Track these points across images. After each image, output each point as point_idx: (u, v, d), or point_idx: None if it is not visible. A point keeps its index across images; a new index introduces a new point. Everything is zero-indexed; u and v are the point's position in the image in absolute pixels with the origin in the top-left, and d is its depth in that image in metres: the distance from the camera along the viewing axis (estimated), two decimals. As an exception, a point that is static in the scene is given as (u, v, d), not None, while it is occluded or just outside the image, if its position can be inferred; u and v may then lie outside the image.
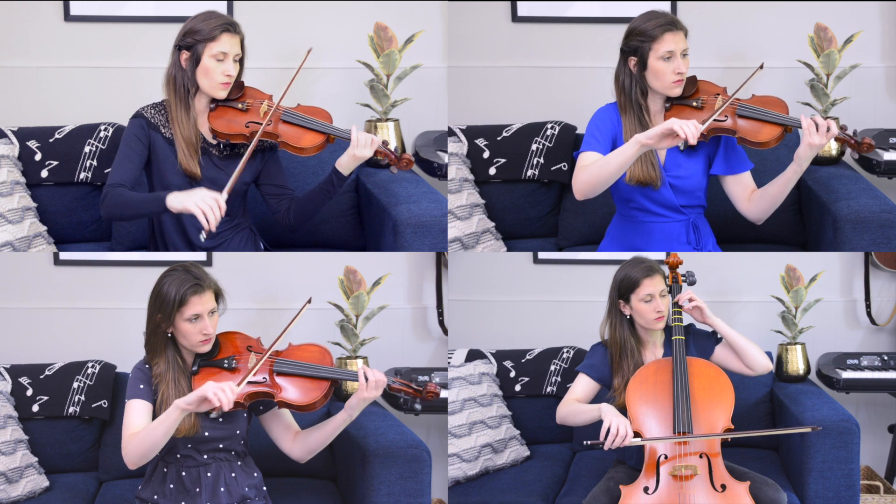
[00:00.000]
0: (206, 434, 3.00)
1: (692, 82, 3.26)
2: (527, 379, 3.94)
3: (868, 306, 4.13)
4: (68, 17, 3.86)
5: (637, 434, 3.03)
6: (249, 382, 2.93)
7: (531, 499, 3.49)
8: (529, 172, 3.84)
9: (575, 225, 3.86)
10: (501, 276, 4.19)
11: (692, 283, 3.34)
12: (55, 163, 3.62)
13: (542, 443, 3.94)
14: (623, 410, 3.10)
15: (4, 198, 3.51)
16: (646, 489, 3.02)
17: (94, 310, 3.92)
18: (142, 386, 2.96)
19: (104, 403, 3.62)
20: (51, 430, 3.62)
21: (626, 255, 3.31)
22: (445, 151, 3.81)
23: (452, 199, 3.71)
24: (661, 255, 3.37)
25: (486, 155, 3.85)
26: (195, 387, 2.92)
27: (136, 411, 2.94)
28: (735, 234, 3.69)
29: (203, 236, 3.08)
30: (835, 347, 4.10)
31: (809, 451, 3.40)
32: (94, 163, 3.64)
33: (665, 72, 3.19)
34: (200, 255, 3.75)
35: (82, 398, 3.61)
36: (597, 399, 3.27)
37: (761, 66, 3.27)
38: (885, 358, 3.91)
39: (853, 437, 3.40)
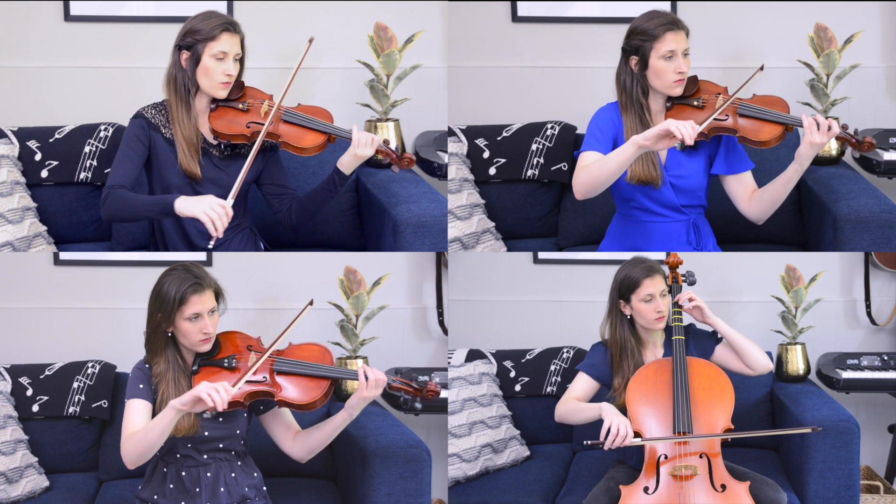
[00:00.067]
0: (206, 434, 3.00)
1: (693, 82, 3.26)
2: (527, 379, 3.94)
3: (868, 306, 4.13)
4: (68, 17, 3.85)
5: (637, 434, 3.03)
6: (250, 382, 2.94)
7: (531, 499, 3.49)
8: (529, 172, 3.84)
9: (575, 225, 3.86)
10: (501, 276, 4.19)
11: (692, 283, 3.34)
12: (55, 163, 3.62)
13: (542, 443, 3.94)
14: (623, 410, 3.10)
15: (4, 198, 3.51)
16: (646, 489, 3.02)
17: (94, 310, 3.92)
18: (141, 385, 2.96)
19: (104, 403, 3.62)
20: (51, 430, 3.61)
21: (627, 255, 3.31)
22: (445, 151, 3.81)
23: (452, 199, 3.71)
24: (662, 255, 3.37)
25: (486, 155, 3.85)
26: (195, 386, 2.92)
27: (135, 411, 2.93)
28: (735, 234, 3.69)
29: (211, 244, 3.08)
30: (835, 347, 4.10)
31: (809, 451, 3.40)
32: (94, 163, 3.64)
33: (666, 71, 3.19)
34: (200, 256, 3.75)
35: (82, 398, 3.61)
36: (595, 398, 3.26)
37: (761, 68, 3.27)
38: (885, 358, 3.91)
39: (853, 437, 3.40)
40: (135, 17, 3.88)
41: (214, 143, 3.28)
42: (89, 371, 3.64)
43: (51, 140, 3.63)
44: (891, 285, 4.17)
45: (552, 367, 3.94)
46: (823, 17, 3.84)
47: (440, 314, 4.01)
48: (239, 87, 3.26)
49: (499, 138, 3.86)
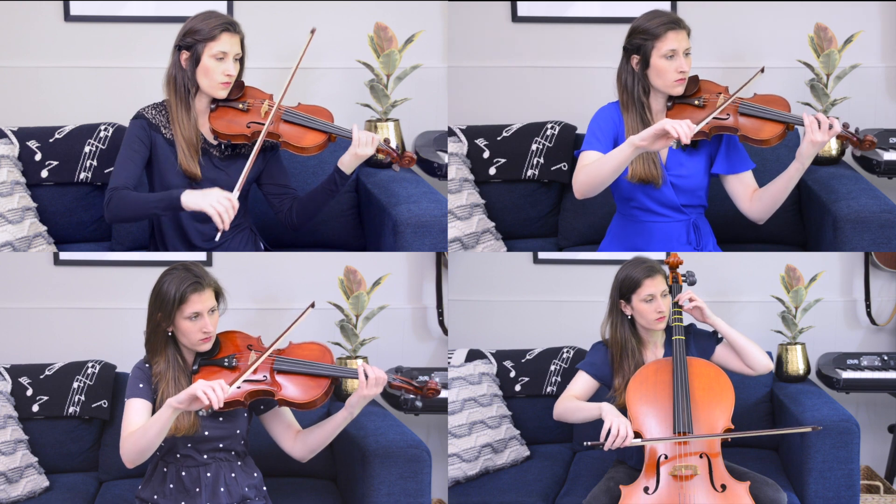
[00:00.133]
0: (206, 434, 3.00)
1: (694, 81, 3.26)
2: (527, 379, 3.94)
3: (868, 306, 4.13)
4: (68, 17, 3.85)
5: (637, 434, 3.03)
6: (250, 381, 2.94)
7: (531, 499, 3.49)
8: (529, 172, 3.84)
9: (575, 225, 3.86)
10: (501, 276, 4.19)
11: (692, 283, 3.34)
12: (55, 163, 3.62)
13: (542, 443, 3.94)
14: (623, 410, 3.10)
15: (4, 198, 3.50)
16: (646, 489, 3.02)
17: (94, 310, 3.91)
18: (141, 385, 2.96)
19: (104, 403, 3.62)
20: (51, 430, 3.61)
21: (627, 255, 3.31)
22: (445, 151, 3.81)
23: (452, 199, 3.71)
24: (662, 255, 3.37)
25: (486, 155, 3.85)
26: (194, 385, 2.92)
27: (135, 410, 2.93)
28: (735, 234, 3.69)
29: (218, 236, 3.09)
30: (835, 347, 4.10)
31: (809, 451, 3.40)
32: (94, 163, 3.64)
33: (667, 70, 3.19)
34: (200, 255, 3.75)
35: (82, 398, 3.61)
36: (595, 398, 3.26)
37: (762, 70, 3.27)
38: (885, 358, 3.91)
39: (853, 437, 3.40)
40: (135, 17, 3.88)
41: (214, 143, 3.28)
42: (89, 371, 3.64)
43: (51, 140, 3.63)
44: (891, 285, 4.17)
45: (552, 368, 3.94)
46: (823, 17, 3.84)
47: (440, 314, 4.01)
48: (239, 87, 3.26)
49: (499, 138, 3.86)
